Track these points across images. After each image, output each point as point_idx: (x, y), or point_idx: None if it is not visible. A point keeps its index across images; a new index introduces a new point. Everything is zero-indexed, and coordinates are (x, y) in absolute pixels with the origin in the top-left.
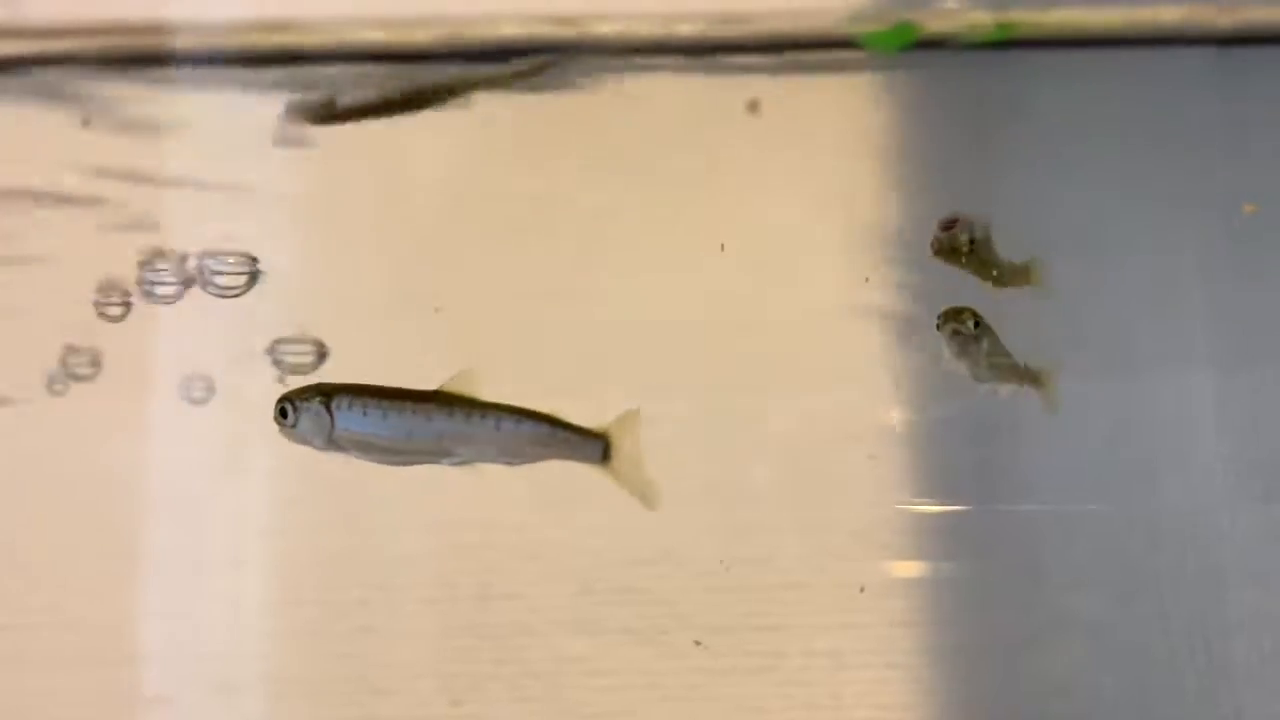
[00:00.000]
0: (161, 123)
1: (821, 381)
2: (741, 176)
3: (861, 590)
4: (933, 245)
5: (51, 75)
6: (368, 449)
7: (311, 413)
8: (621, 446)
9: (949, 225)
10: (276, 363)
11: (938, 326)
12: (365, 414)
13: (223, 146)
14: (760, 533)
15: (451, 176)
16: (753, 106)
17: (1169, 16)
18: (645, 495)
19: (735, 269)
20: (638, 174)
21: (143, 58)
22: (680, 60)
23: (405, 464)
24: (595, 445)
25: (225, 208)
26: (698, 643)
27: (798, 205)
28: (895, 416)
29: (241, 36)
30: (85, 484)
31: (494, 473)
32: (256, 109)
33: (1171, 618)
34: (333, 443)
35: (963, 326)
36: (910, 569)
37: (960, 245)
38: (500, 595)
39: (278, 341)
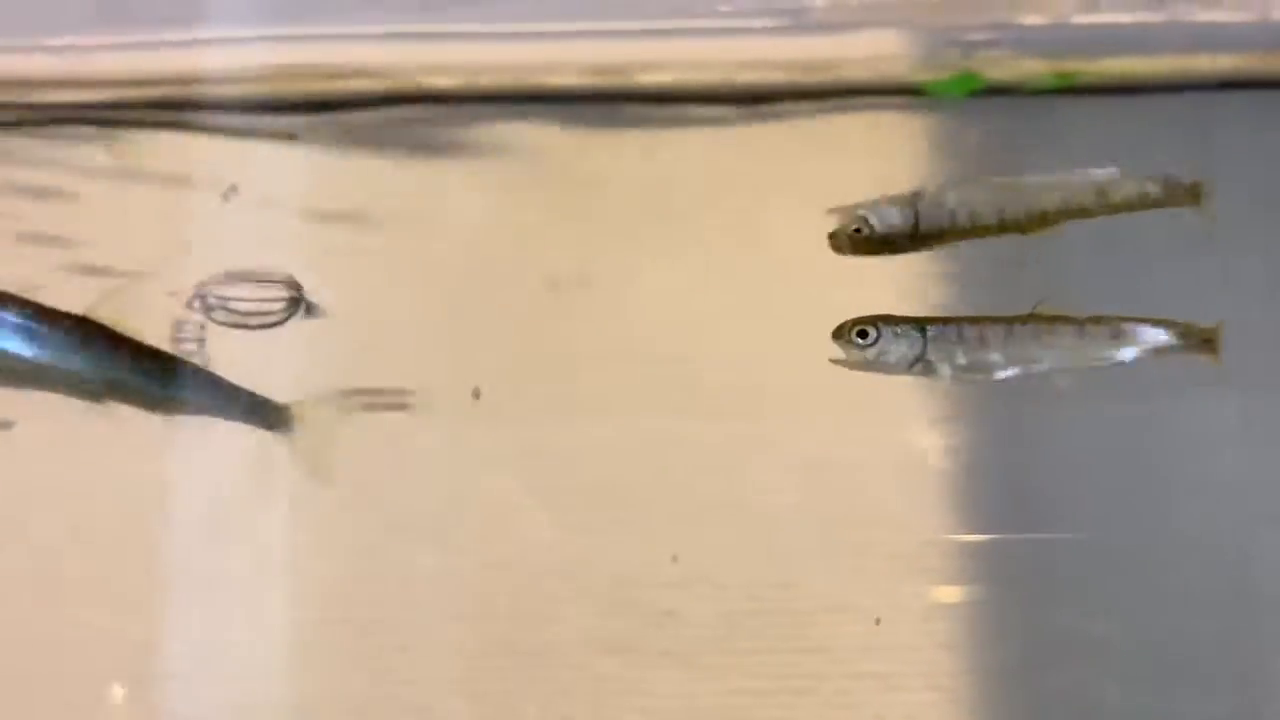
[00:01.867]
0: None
1: (853, 407)
2: (789, 214)
3: (878, 622)
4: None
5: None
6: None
7: None
8: (312, 423)
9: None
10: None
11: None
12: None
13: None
14: (796, 556)
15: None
16: None
17: (1222, 64)
18: (318, 474)
19: (769, 292)
20: (682, 208)
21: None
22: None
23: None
24: (272, 412)
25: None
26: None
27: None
28: (927, 444)
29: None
30: (112, 501)
31: (524, 492)
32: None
33: (1201, 642)
34: None
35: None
36: (950, 594)
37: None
38: (533, 615)
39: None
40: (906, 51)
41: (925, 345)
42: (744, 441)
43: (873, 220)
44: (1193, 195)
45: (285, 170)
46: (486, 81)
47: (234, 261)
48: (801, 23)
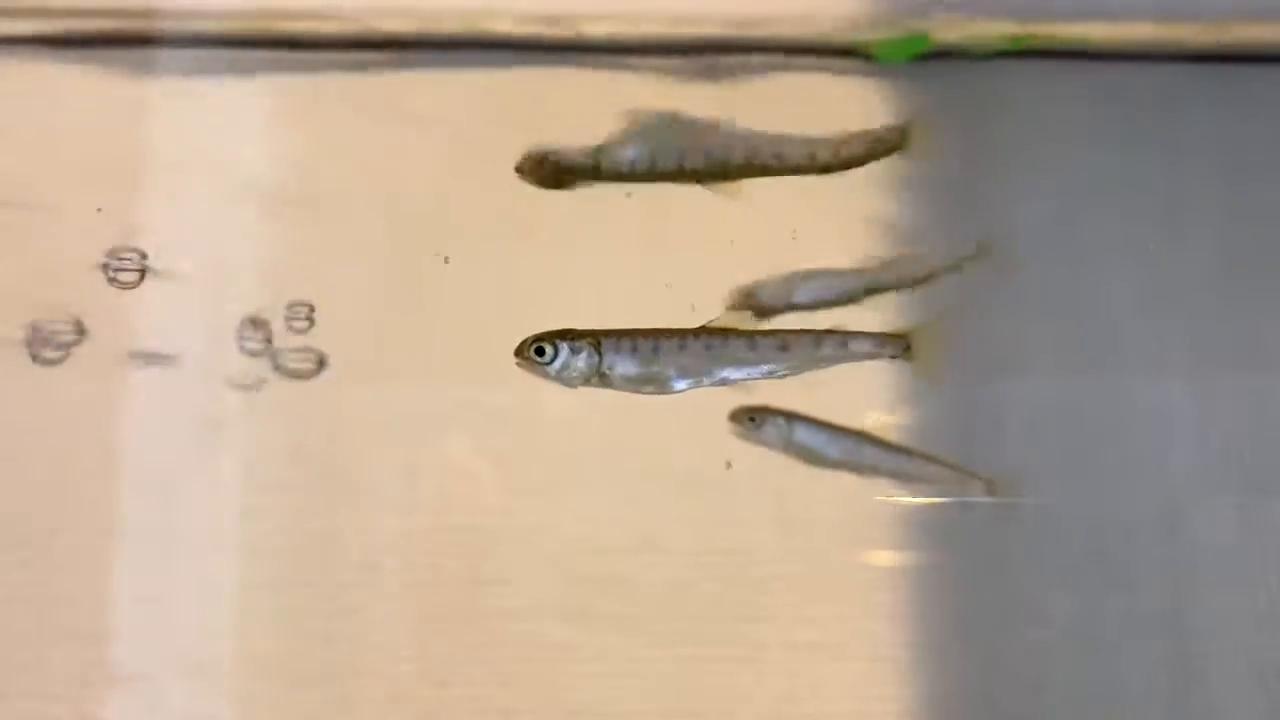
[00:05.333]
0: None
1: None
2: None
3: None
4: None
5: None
6: None
7: None
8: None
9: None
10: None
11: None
12: None
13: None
14: (743, 526)
15: (448, 165)
16: None
17: (1166, 34)
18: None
19: (730, 266)
20: None
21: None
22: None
23: None
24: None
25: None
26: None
27: (795, 207)
28: (877, 414)
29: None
30: (64, 460)
31: (481, 458)
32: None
33: (1145, 614)
34: None
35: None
36: (890, 561)
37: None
38: (487, 581)
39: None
40: (854, 11)
41: (600, 359)
42: (697, 411)
43: (558, 154)
44: (899, 142)
45: None
46: None
47: None
48: None
